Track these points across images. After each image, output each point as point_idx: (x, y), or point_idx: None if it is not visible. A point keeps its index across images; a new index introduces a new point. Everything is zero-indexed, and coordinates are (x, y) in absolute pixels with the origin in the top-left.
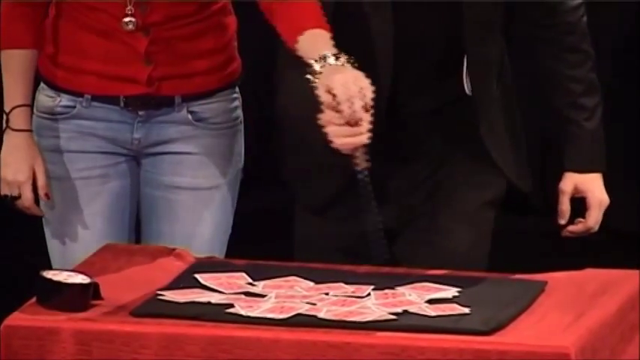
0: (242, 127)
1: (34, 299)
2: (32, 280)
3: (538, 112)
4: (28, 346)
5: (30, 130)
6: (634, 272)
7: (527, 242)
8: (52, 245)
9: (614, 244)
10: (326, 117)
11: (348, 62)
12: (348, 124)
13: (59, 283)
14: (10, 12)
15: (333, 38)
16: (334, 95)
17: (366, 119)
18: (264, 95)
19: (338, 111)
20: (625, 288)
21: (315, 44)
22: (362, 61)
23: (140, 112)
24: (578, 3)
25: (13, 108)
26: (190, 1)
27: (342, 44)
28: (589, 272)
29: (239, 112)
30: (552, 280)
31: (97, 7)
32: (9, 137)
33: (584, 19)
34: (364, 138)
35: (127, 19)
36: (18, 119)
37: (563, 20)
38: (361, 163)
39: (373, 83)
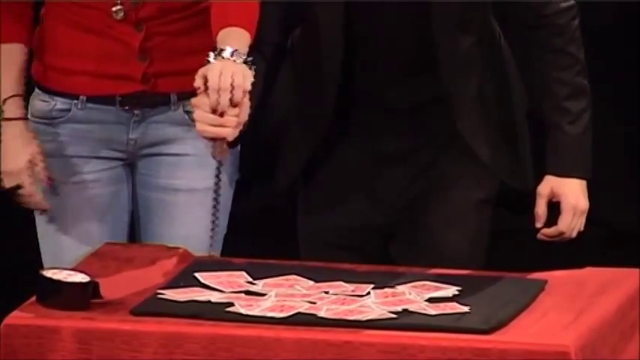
0: None
1: (33, 298)
2: (32, 279)
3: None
4: (28, 345)
5: (25, 118)
6: (634, 271)
7: (527, 241)
8: (45, 249)
9: (614, 243)
10: (195, 100)
11: (245, 62)
12: (214, 112)
13: (59, 282)
14: None
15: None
16: (206, 82)
17: (232, 113)
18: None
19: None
20: (625, 287)
21: (225, 39)
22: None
23: (136, 112)
24: (569, 5)
25: (6, 99)
26: None
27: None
28: (589, 271)
29: None
30: (552, 278)
31: (87, 4)
32: (5, 129)
33: (575, 22)
34: (227, 131)
35: (115, 8)
36: (11, 108)
37: (552, 22)
38: (218, 154)
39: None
